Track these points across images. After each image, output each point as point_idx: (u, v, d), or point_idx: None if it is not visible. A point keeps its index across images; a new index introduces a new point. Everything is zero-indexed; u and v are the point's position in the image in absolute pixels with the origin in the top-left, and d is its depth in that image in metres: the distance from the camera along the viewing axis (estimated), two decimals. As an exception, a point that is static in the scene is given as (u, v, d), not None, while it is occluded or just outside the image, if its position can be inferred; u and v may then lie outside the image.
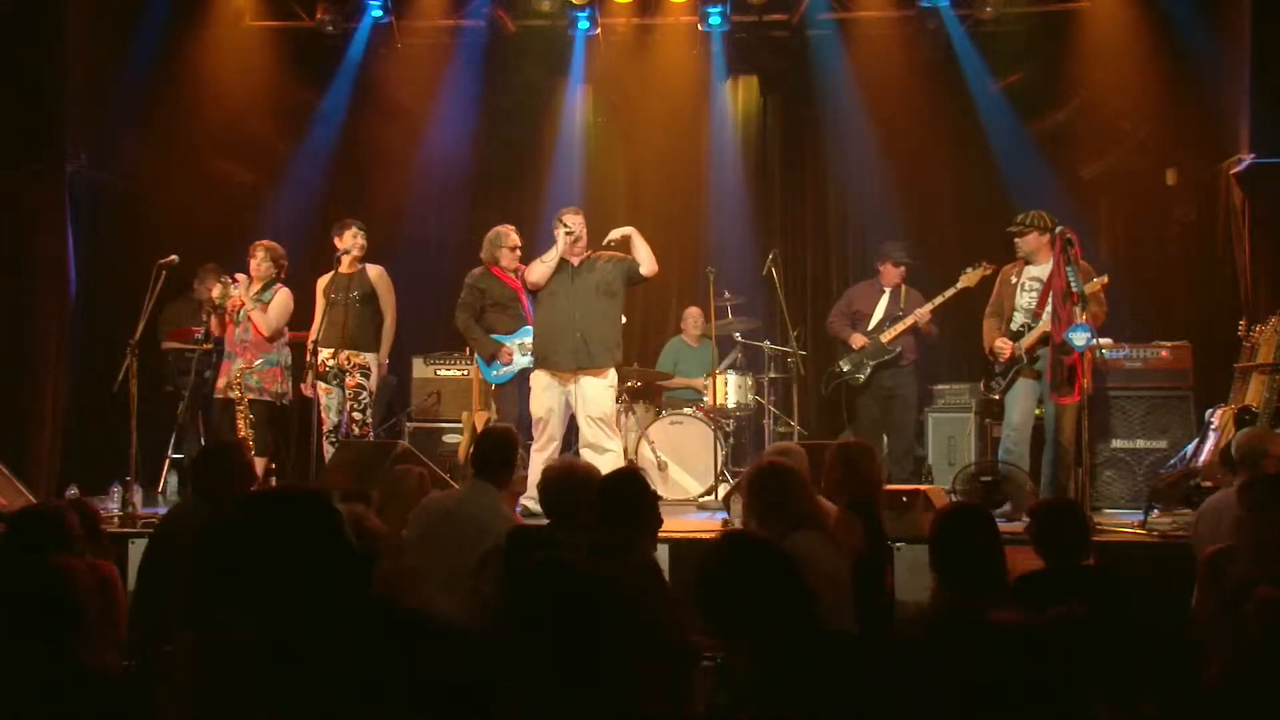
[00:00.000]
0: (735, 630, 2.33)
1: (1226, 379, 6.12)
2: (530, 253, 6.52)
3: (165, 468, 6.79)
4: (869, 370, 7.11)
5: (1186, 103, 7.22)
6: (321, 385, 6.44)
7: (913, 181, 8.45)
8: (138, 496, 5.90)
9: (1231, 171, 6.69)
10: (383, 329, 6.63)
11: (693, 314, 8.06)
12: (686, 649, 2.85)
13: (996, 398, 6.36)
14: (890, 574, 4.01)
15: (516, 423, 6.37)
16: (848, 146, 8.61)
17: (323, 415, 6.46)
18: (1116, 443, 6.61)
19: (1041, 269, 6.15)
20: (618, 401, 6.71)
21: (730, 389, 7.37)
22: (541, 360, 6.14)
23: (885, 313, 7.21)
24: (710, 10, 8.06)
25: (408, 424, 7.61)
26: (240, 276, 6.51)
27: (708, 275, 6.96)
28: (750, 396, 7.48)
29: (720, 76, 8.78)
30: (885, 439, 7.15)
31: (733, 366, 7.79)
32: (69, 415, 6.88)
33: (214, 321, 6.48)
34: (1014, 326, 6.23)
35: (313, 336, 6.34)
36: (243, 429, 6.21)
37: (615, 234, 6.13)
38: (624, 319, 6.42)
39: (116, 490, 5.90)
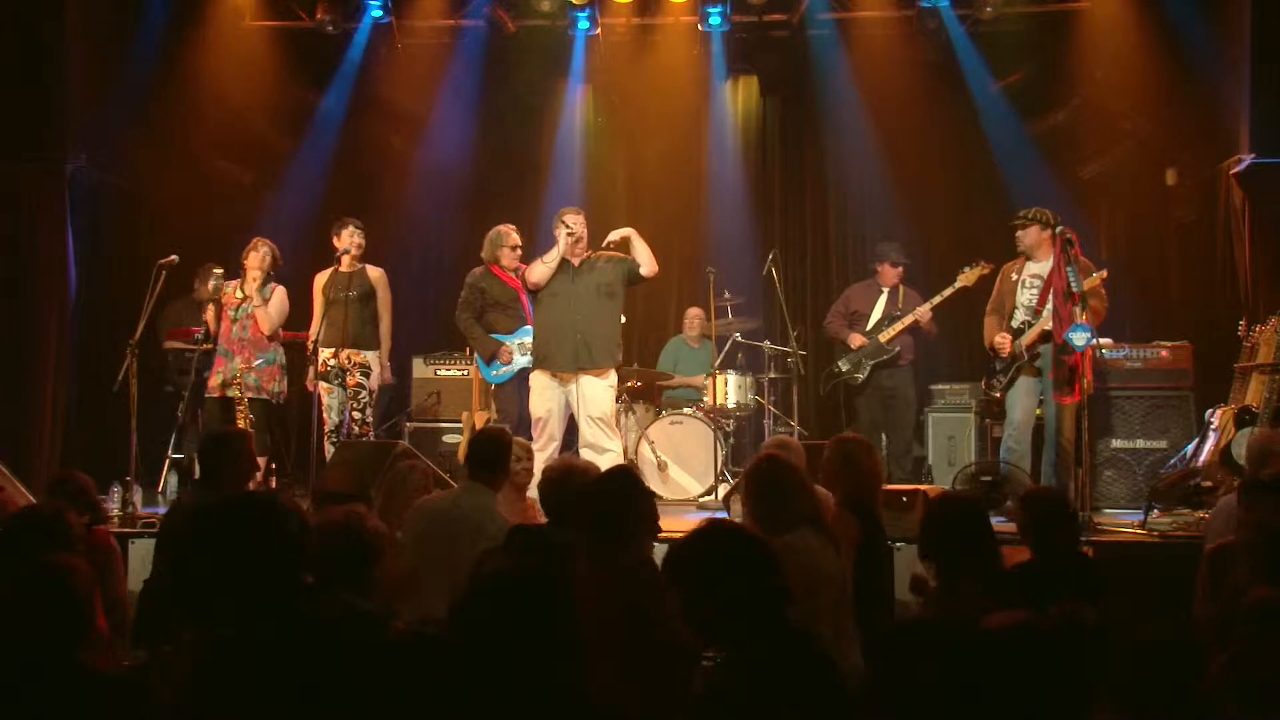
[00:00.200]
0: (707, 618, 2.33)
1: (1226, 379, 6.12)
2: (530, 253, 6.52)
3: (165, 468, 6.79)
4: (867, 370, 7.12)
5: (1186, 103, 7.22)
6: (323, 385, 6.44)
7: (912, 181, 8.45)
8: (138, 496, 5.90)
9: (1231, 171, 6.68)
10: (380, 330, 6.63)
11: (694, 314, 8.05)
12: (683, 647, 2.85)
13: (998, 395, 6.37)
14: (888, 573, 4.00)
15: (516, 422, 6.37)
16: (848, 146, 8.61)
17: (323, 415, 6.46)
18: (1116, 443, 6.61)
19: (1042, 266, 6.15)
20: (618, 401, 6.71)
21: (730, 389, 7.37)
22: (541, 360, 6.14)
23: (883, 313, 7.22)
24: (710, 10, 8.06)
25: (408, 424, 7.61)
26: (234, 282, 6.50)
27: (708, 275, 6.96)
28: (750, 396, 7.48)
29: (720, 76, 8.78)
30: (884, 439, 7.15)
31: (733, 367, 7.77)
32: (69, 415, 6.88)
33: (211, 316, 6.45)
34: (1015, 324, 6.23)
35: (313, 336, 6.35)
36: (243, 428, 6.20)
37: (614, 235, 6.14)
38: (623, 319, 6.42)
39: (116, 490, 5.89)
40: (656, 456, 7.10)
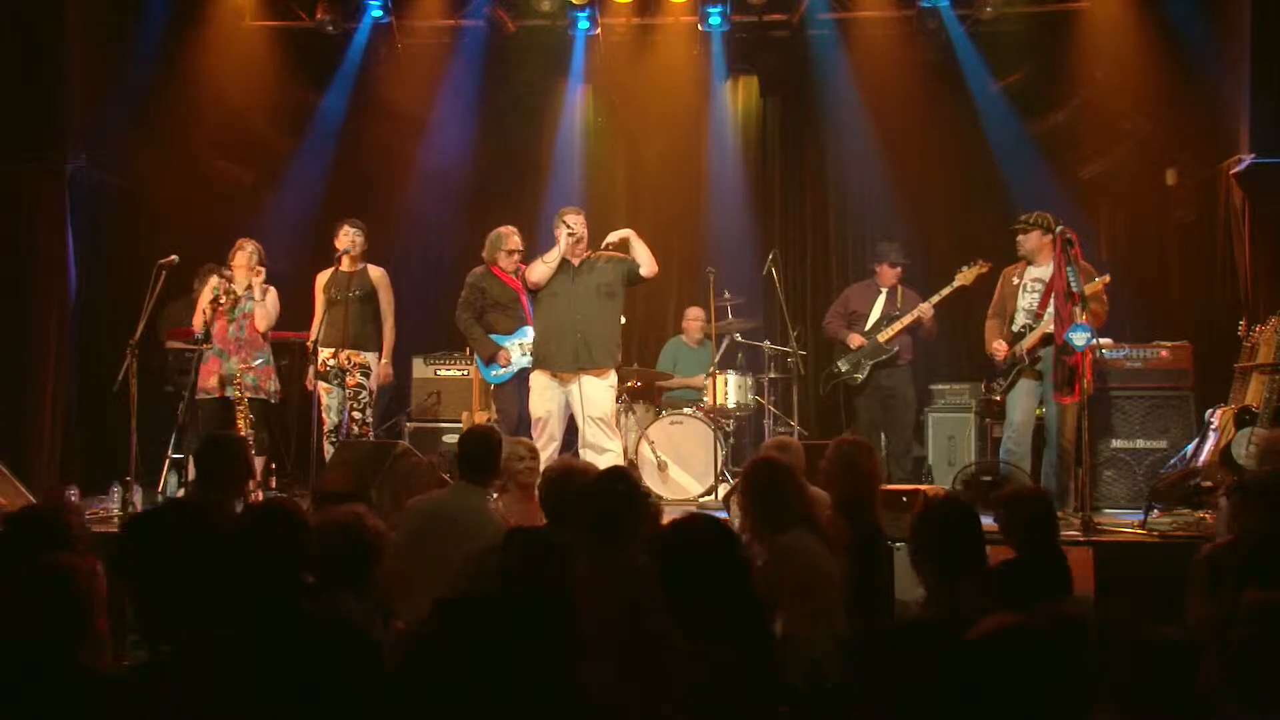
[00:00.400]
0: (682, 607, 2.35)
1: (1226, 379, 6.12)
2: (531, 253, 6.52)
3: (165, 468, 6.78)
4: (867, 370, 7.12)
5: (1186, 103, 7.22)
6: (322, 385, 6.44)
7: (912, 181, 8.45)
8: (138, 496, 5.90)
9: (1231, 171, 6.68)
10: (383, 332, 6.63)
11: (694, 314, 8.04)
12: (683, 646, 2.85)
13: (998, 399, 6.37)
14: (888, 573, 4.00)
15: (516, 422, 6.37)
16: (848, 146, 8.61)
17: (323, 415, 6.46)
18: (1116, 443, 6.60)
19: (1043, 270, 6.15)
20: (618, 401, 6.71)
21: (730, 389, 7.37)
22: (541, 361, 6.14)
23: (882, 313, 7.22)
24: (710, 10, 8.05)
25: (408, 424, 7.61)
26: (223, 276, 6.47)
27: (708, 275, 6.96)
28: (750, 396, 7.48)
29: (720, 76, 8.78)
30: (884, 439, 7.15)
31: (733, 367, 7.76)
32: (69, 415, 6.88)
33: (204, 315, 6.42)
34: (1015, 327, 6.24)
35: (313, 336, 6.34)
36: (243, 428, 6.20)
37: (613, 236, 6.14)
38: (623, 320, 6.42)
39: (116, 490, 5.90)
40: (656, 456, 7.09)
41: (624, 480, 3.55)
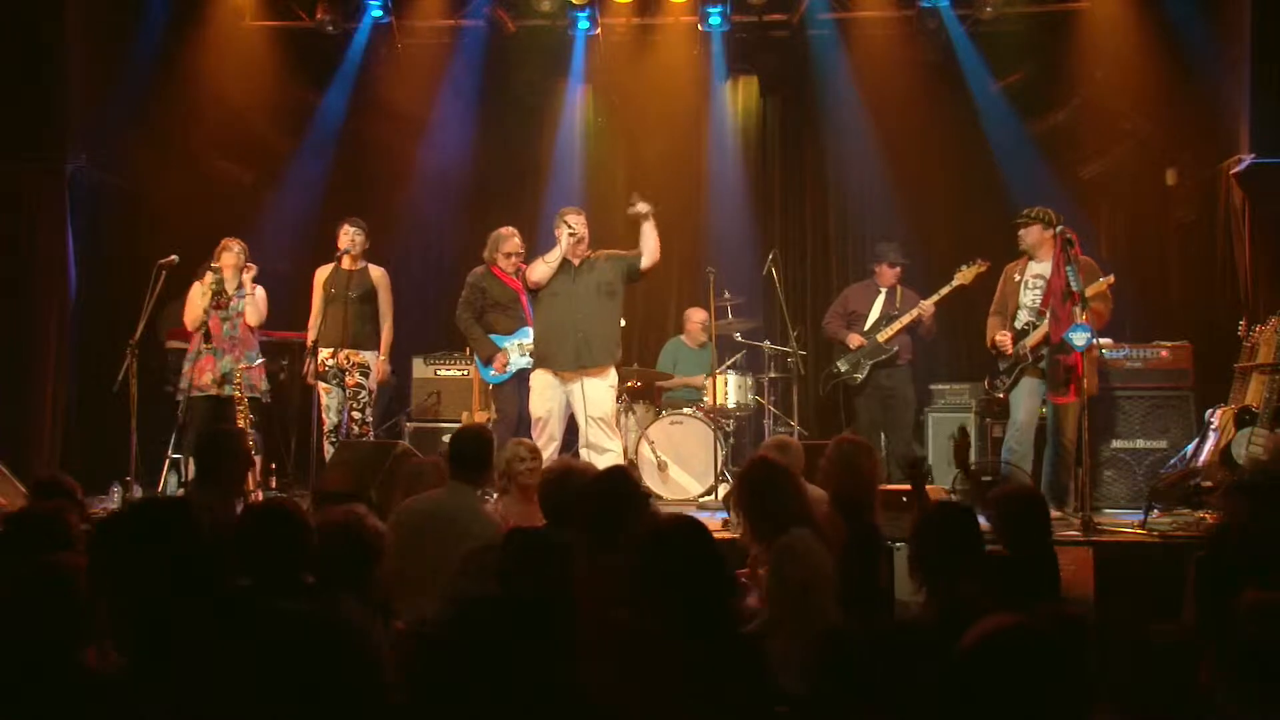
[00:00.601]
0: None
1: (1226, 379, 6.12)
2: (531, 253, 6.52)
3: (165, 468, 6.78)
4: (866, 370, 7.12)
5: (1186, 103, 7.22)
6: (321, 385, 6.44)
7: (912, 181, 8.45)
8: (138, 496, 5.90)
9: (1231, 171, 6.68)
10: (382, 329, 6.63)
11: (695, 315, 8.03)
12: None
13: (1000, 396, 6.36)
14: (885, 573, 4.01)
15: (515, 422, 6.37)
16: (848, 146, 8.61)
17: (323, 415, 6.46)
18: (1116, 443, 6.61)
19: (1044, 266, 6.13)
20: (618, 401, 6.71)
21: (730, 389, 7.37)
22: (542, 360, 6.13)
23: (881, 313, 7.22)
24: (710, 10, 8.06)
25: (408, 424, 7.61)
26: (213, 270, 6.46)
27: (708, 275, 6.96)
28: (750, 396, 7.48)
29: (720, 76, 8.78)
30: (883, 439, 7.15)
31: (733, 367, 7.77)
32: (69, 415, 6.88)
33: (196, 313, 6.40)
34: (1018, 324, 6.23)
35: (312, 336, 6.34)
36: (243, 427, 6.20)
37: (641, 207, 6.07)
38: (623, 322, 6.42)
39: (116, 490, 5.90)
40: (656, 456, 7.09)
41: (624, 480, 3.55)
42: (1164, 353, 6.67)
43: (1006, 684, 1.72)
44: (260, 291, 6.51)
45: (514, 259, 6.52)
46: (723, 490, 6.61)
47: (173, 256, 6.17)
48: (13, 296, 6.81)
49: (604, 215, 7.70)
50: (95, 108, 7.18)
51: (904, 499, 5.14)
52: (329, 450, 6.37)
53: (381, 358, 6.64)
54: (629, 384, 7.38)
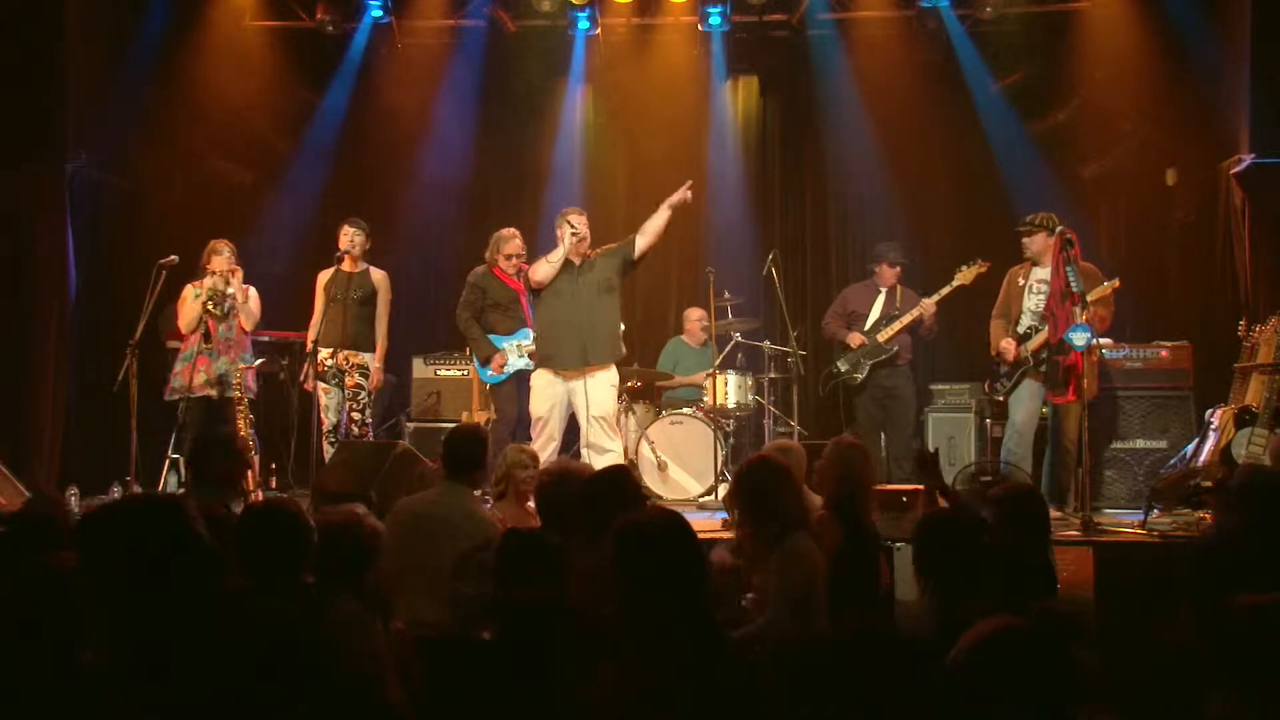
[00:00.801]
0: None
1: (1226, 379, 6.12)
2: (531, 253, 6.53)
3: (165, 468, 6.78)
4: (866, 370, 7.11)
5: (1186, 103, 7.22)
6: (321, 385, 6.44)
7: (912, 181, 8.45)
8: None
9: (1231, 171, 6.69)
10: (377, 334, 6.63)
11: (695, 315, 8.03)
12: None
13: (1000, 399, 6.36)
14: (882, 573, 4.01)
15: (515, 422, 6.37)
16: (847, 146, 8.60)
17: (322, 416, 6.46)
18: (1116, 443, 6.60)
19: (1049, 271, 6.13)
20: (618, 401, 6.71)
21: (730, 389, 7.36)
22: (546, 360, 6.12)
23: (881, 313, 7.21)
24: (710, 10, 8.06)
25: (408, 424, 7.61)
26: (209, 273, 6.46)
27: (708, 275, 6.96)
28: (750, 396, 7.48)
29: (720, 76, 8.78)
30: (884, 439, 7.15)
31: (734, 367, 7.76)
32: (69, 415, 6.88)
33: (190, 314, 6.39)
34: (1021, 329, 6.23)
35: (312, 336, 6.34)
36: (243, 428, 6.20)
37: (676, 197, 6.10)
38: (623, 326, 6.42)
39: (116, 490, 5.90)
40: (656, 456, 7.09)
41: (622, 479, 3.55)
42: (1164, 353, 6.67)
43: (1000, 686, 1.72)
44: (253, 292, 6.51)
45: (515, 260, 6.53)
46: (723, 490, 6.61)
47: (173, 256, 6.18)
48: (13, 296, 6.81)
49: (604, 215, 7.70)
50: (95, 108, 7.18)
51: (904, 499, 5.15)
52: (328, 450, 6.37)
53: (377, 364, 6.64)
54: (629, 384, 7.38)
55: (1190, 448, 6.03)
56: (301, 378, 6.63)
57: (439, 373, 7.74)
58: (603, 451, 5.94)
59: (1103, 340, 6.24)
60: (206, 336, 6.36)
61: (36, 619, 2.39)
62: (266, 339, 7.24)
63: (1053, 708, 1.73)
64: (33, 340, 6.81)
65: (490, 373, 6.47)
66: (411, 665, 2.91)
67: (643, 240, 6.14)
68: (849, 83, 8.43)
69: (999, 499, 3.75)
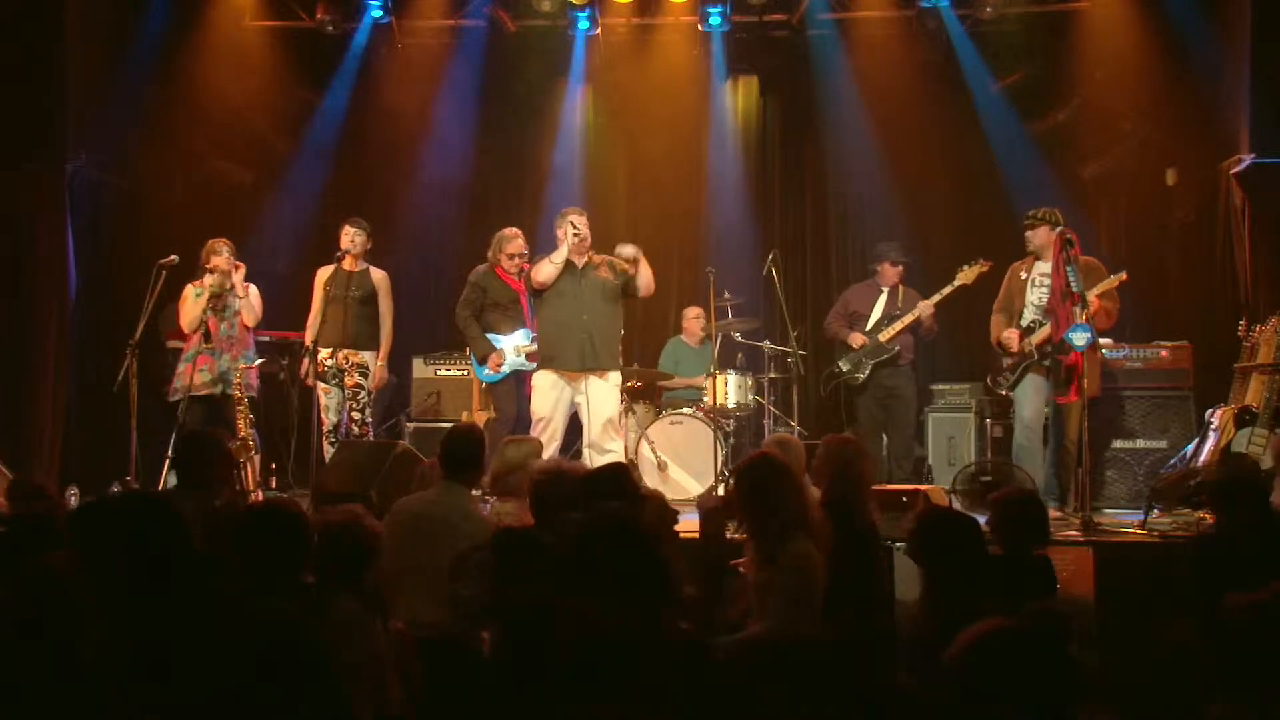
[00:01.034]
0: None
1: (1226, 379, 6.12)
2: (532, 253, 6.52)
3: (165, 468, 6.77)
4: (868, 369, 7.10)
5: (1186, 103, 7.22)
6: (320, 385, 6.43)
7: (912, 181, 8.44)
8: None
9: (1231, 171, 6.69)
10: (380, 335, 6.63)
11: (694, 314, 8.03)
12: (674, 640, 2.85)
13: (1003, 393, 6.34)
14: (879, 573, 4.01)
15: (514, 422, 6.37)
16: (848, 146, 8.60)
17: (322, 415, 6.46)
18: (1116, 443, 6.61)
19: (1051, 265, 6.12)
20: (619, 402, 6.70)
21: (730, 389, 7.36)
22: (548, 360, 6.11)
23: (883, 312, 7.20)
24: (710, 10, 8.06)
25: (408, 424, 7.61)
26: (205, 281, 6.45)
27: (708, 275, 6.96)
28: (750, 396, 7.48)
29: (720, 76, 8.78)
30: (885, 439, 7.14)
31: (733, 367, 7.76)
32: (69, 415, 6.88)
33: (190, 314, 6.39)
34: (1024, 323, 6.22)
35: (310, 335, 6.34)
36: (243, 428, 6.20)
37: (626, 250, 6.14)
38: (622, 332, 6.42)
39: (116, 490, 5.89)
40: (656, 456, 7.09)
41: (619, 476, 3.55)
42: (1164, 353, 6.67)
43: (996, 686, 1.72)
44: (254, 290, 6.51)
45: (517, 260, 6.52)
46: (722, 490, 6.61)
47: (173, 256, 6.18)
48: (13, 296, 6.81)
49: (604, 215, 7.69)
50: (95, 108, 7.18)
51: (904, 499, 5.15)
52: (328, 450, 6.36)
53: (380, 363, 6.64)
54: (629, 384, 7.38)
55: (1190, 448, 6.03)
56: (302, 374, 6.63)
57: (439, 373, 7.74)
58: (604, 452, 5.95)
59: (1103, 340, 6.23)
60: (207, 336, 6.35)
61: (36, 619, 2.39)
62: (267, 339, 7.23)
63: (1050, 707, 1.73)
64: (33, 340, 6.81)
65: (487, 371, 6.47)
66: (411, 665, 2.91)
67: (641, 292, 6.20)
68: (849, 83, 8.43)
69: (997, 502, 3.75)
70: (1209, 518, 5.22)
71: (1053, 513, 5.59)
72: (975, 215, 8.21)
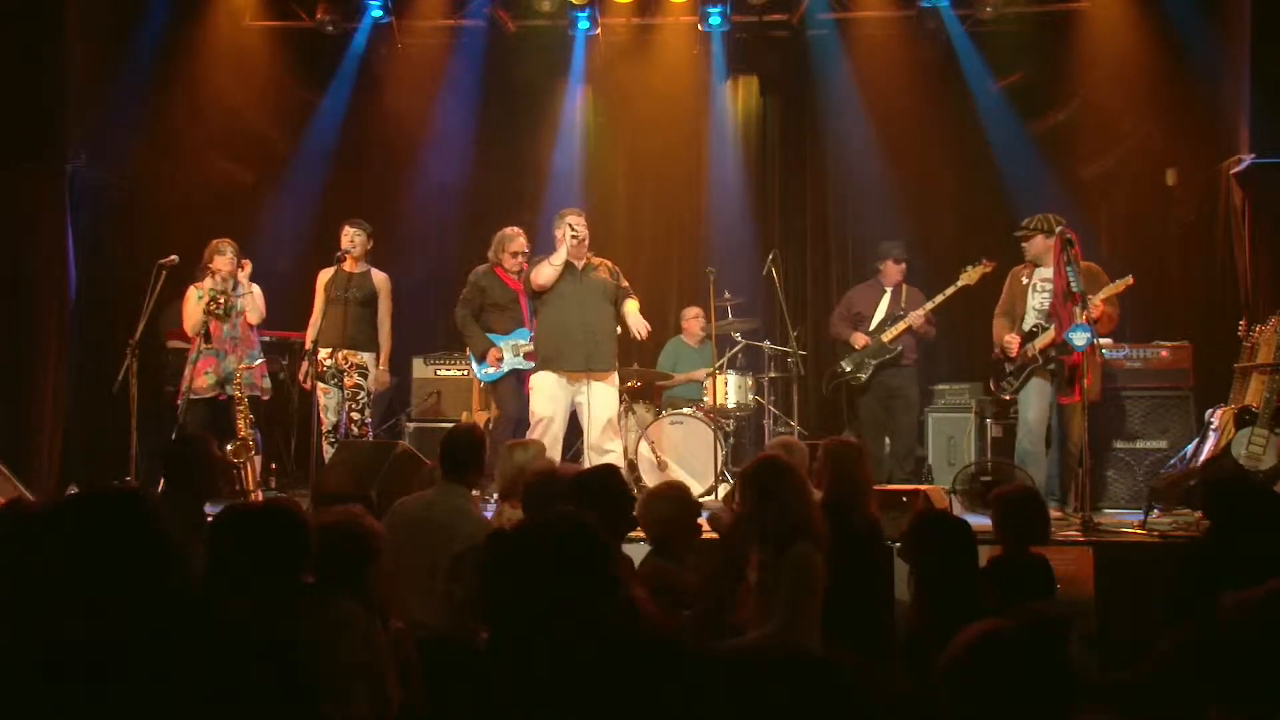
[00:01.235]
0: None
1: (1226, 379, 6.12)
2: (532, 253, 6.52)
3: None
4: (871, 370, 7.10)
5: (1186, 103, 7.22)
6: (320, 385, 6.43)
7: (913, 182, 8.44)
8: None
9: (1231, 171, 6.69)
10: (380, 336, 6.63)
11: (694, 314, 8.03)
12: (657, 642, 2.84)
13: (1007, 398, 6.33)
14: (880, 575, 4.00)
15: (516, 421, 6.37)
16: (848, 146, 8.60)
17: (321, 416, 6.46)
18: (1116, 443, 6.60)
19: (1052, 270, 6.11)
20: (619, 403, 6.69)
21: (730, 389, 7.36)
22: (549, 361, 6.09)
23: (887, 312, 7.19)
24: (710, 10, 8.06)
25: (408, 424, 7.61)
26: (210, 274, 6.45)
27: (708, 275, 6.96)
28: (750, 396, 7.48)
29: (720, 76, 8.78)
30: (887, 439, 7.14)
31: (733, 367, 7.76)
32: (69, 415, 6.88)
33: (194, 316, 6.39)
34: (1026, 327, 6.21)
35: (311, 336, 6.34)
36: (243, 429, 6.20)
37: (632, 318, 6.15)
38: (618, 330, 6.42)
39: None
40: (656, 456, 7.09)
41: (610, 478, 3.55)
42: (1164, 353, 6.67)
43: (990, 689, 1.72)
44: (257, 289, 6.51)
45: (519, 258, 6.52)
46: (723, 490, 6.61)
47: (173, 256, 6.18)
48: (13, 296, 6.81)
49: (604, 215, 7.70)
50: (95, 108, 7.18)
51: (903, 499, 5.15)
52: (327, 450, 6.37)
53: (382, 366, 6.64)
54: (629, 384, 7.39)
55: (1190, 448, 6.03)
56: (301, 376, 6.64)
57: (439, 373, 7.74)
58: (603, 453, 5.96)
59: (1103, 341, 6.23)
60: (207, 337, 6.36)
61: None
62: (267, 338, 7.23)
63: (1045, 709, 1.73)
64: (33, 340, 6.82)
65: (489, 368, 6.46)
66: (411, 665, 2.91)
67: (631, 332, 6.17)
68: (849, 83, 8.43)
69: (997, 501, 3.76)
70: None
71: (1053, 513, 5.60)
72: (975, 216, 8.22)
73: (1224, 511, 3.67)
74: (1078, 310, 5.68)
